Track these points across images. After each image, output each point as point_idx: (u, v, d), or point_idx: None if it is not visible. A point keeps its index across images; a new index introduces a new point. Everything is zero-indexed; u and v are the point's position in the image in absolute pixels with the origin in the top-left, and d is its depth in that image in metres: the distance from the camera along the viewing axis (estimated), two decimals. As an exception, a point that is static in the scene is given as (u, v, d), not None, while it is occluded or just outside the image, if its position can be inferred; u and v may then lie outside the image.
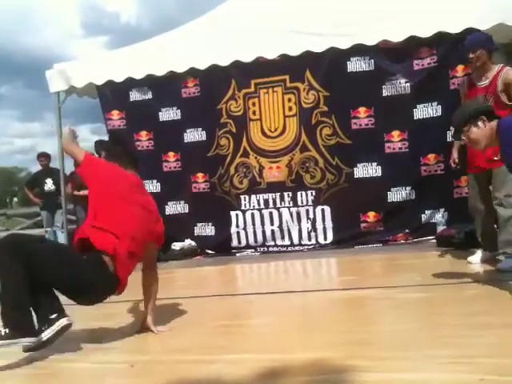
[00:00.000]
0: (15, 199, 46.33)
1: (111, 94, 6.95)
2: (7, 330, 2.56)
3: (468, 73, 5.12)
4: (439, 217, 5.94)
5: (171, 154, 6.84)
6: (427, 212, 6.01)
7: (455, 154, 4.44)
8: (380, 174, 6.07)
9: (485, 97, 4.03)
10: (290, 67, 6.22)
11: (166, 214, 6.83)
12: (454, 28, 5.43)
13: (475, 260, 4.30)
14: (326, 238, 6.28)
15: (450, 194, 5.85)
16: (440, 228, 5.82)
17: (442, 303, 3.18)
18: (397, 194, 6.04)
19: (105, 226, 2.85)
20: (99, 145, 7.35)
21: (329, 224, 6.26)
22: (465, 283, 3.62)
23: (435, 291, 3.46)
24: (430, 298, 3.34)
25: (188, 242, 6.70)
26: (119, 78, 6.68)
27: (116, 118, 6.98)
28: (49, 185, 8.40)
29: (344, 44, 5.88)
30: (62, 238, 7.73)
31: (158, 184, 6.93)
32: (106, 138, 7.49)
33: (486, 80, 4.08)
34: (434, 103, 5.82)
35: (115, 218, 2.89)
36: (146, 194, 3.33)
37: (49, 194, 8.31)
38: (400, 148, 6.00)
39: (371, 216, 6.14)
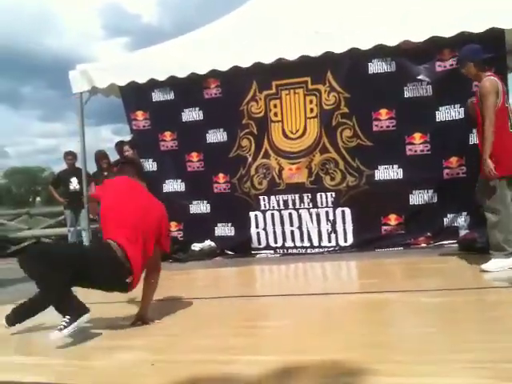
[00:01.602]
0: (38, 198, 47.06)
1: (134, 95, 7.03)
2: (68, 316, 2.88)
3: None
4: (461, 221, 5.86)
5: (194, 154, 6.89)
6: (449, 216, 5.93)
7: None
8: (401, 177, 6.01)
9: (474, 104, 4.42)
10: (311, 69, 6.20)
11: (191, 212, 6.93)
12: (477, 28, 5.33)
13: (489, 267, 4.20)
14: (346, 240, 6.25)
15: (472, 198, 5.77)
16: (462, 232, 5.74)
17: (464, 308, 3.14)
18: (418, 197, 5.98)
19: (108, 223, 3.29)
20: (121, 145, 7.46)
21: (349, 226, 6.22)
22: (487, 288, 3.57)
23: (457, 296, 3.42)
24: (451, 302, 3.30)
25: (208, 243, 6.73)
26: (142, 80, 6.73)
27: (141, 118, 7.06)
28: (74, 184, 8.45)
29: (365, 45, 5.83)
30: (86, 238, 7.80)
31: (183, 184, 6.99)
32: (128, 137, 7.58)
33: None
34: (457, 105, 5.74)
35: (116, 214, 3.30)
36: (151, 198, 3.62)
37: (74, 193, 8.34)
38: (422, 150, 5.94)
39: (392, 219, 6.09)
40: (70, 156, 8.54)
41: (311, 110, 6.30)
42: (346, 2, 6.11)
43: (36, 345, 3.16)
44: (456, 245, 5.61)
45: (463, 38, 5.46)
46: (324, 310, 3.52)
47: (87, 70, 6.97)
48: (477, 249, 5.05)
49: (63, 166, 8.81)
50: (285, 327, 3.07)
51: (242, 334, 2.98)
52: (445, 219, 5.96)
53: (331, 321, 3.21)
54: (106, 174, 7.90)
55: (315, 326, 3.04)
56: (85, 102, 7.22)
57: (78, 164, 8.16)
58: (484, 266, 4.16)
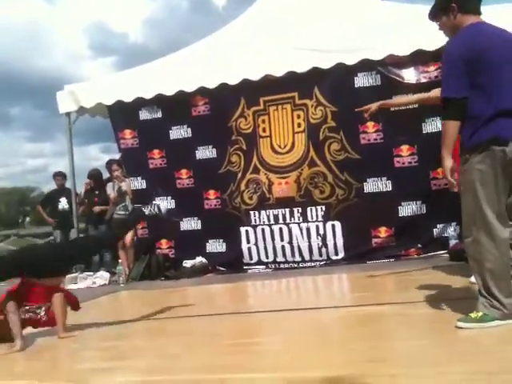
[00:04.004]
0: (27, 219, 46.62)
1: (122, 114, 7.04)
2: None
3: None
4: (451, 231, 5.90)
5: (184, 171, 6.89)
6: (439, 226, 5.97)
7: None
8: (390, 189, 6.06)
9: None
10: (298, 84, 6.26)
11: (181, 229, 6.91)
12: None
13: None
14: (337, 254, 6.25)
15: (461, 208, 5.79)
16: (452, 242, 5.77)
17: (456, 319, 3.13)
18: (407, 209, 6.02)
19: None
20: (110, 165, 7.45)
21: (339, 240, 6.23)
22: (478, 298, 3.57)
23: (449, 306, 3.42)
24: (443, 313, 3.30)
25: (199, 260, 6.70)
26: (129, 98, 6.75)
27: (129, 137, 7.07)
28: (63, 204, 8.40)
29: (351, 60, 5.91)
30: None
31: (173, 201, 6.98)
32: (116, 156, 7.58)
33: None
34: (443, 116, 5.80)
35: None
36: None
37: (62, 213, 8.31)
38: (409, 162, 5.99)
39: (382, 231, 6.12)
40: (59, 176, 8.53)
41: (299, 124, 6.34)
42: (330, 18, 6.20)
43: (29, 367, 3.11)
44: (446, 255, 5.64)
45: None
46: (318, 324, 3.51)
47: (74, 91, 7.00)
48: (467, 259, 5.05)
49: (53, 186, 8.79)
50: (279, 344, 3.04)
51: (235, 351, 2.95)
52: (434, 230, 6.00)
53: (325, 336, 3.19)
54: (96, 192, 7.89)
55: (310, 342, 3.02)
56: (73, 121, 7.24)
57: (68, 183, 8.15)
58: None
